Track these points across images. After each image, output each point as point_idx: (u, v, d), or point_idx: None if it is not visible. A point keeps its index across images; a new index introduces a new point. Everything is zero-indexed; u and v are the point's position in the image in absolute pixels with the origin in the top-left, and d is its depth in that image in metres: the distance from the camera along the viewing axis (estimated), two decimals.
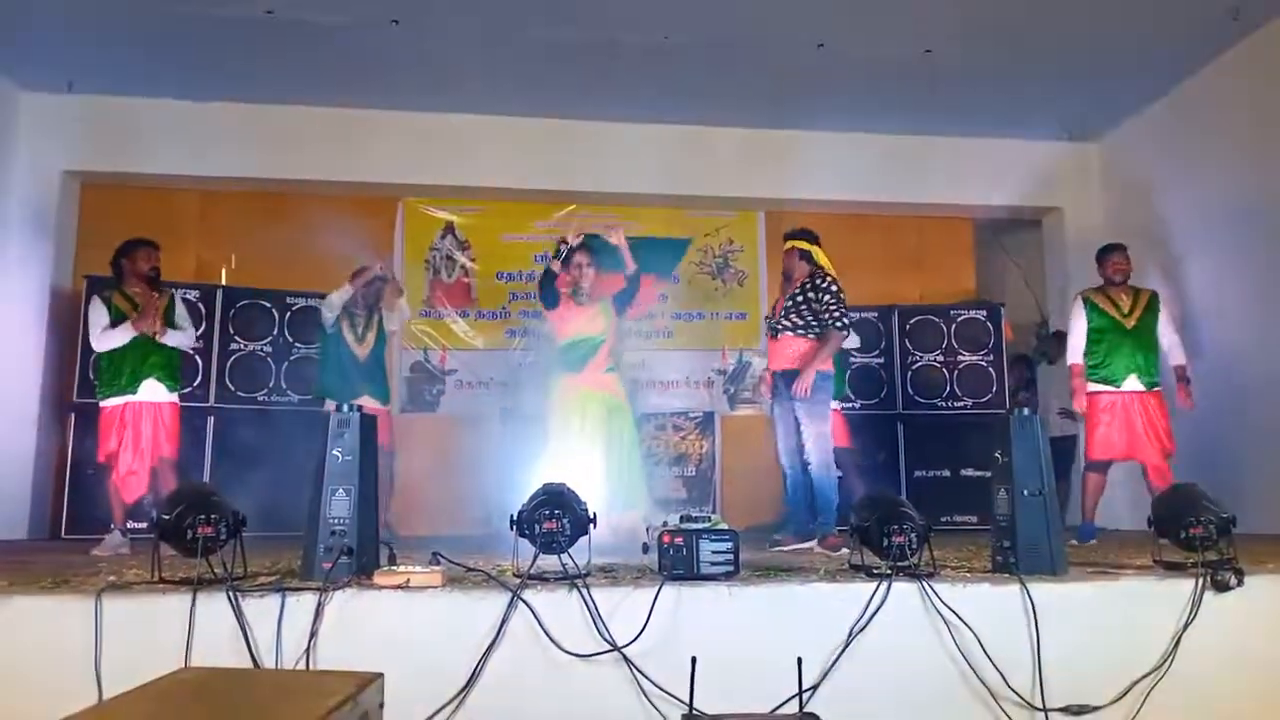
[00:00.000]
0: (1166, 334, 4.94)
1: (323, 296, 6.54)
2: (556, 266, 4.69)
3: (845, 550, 4.10)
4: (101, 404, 4.58)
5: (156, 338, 4.56)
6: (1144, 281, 5.49)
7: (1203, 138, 6.26)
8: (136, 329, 4.51)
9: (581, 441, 4.36)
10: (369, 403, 5.35)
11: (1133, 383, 4.85)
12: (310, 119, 6.74)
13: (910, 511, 2.93)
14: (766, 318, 4.71)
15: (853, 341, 5.66)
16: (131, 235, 4.82)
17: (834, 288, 4.37)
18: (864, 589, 2.73)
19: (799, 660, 2.39)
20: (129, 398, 4.53)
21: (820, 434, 4.30)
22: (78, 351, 6.11)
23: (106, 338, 4.54)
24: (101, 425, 4.56)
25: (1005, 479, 3.05)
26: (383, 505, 5.47)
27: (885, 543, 2.83)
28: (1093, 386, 4.93)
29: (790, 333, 4.41)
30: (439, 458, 6.07)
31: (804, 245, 4.53)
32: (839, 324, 4.34)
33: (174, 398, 4.69)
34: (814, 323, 4.36)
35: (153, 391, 4.57)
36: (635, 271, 4.69)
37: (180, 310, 4.79)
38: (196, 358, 6.03)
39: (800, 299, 4.41)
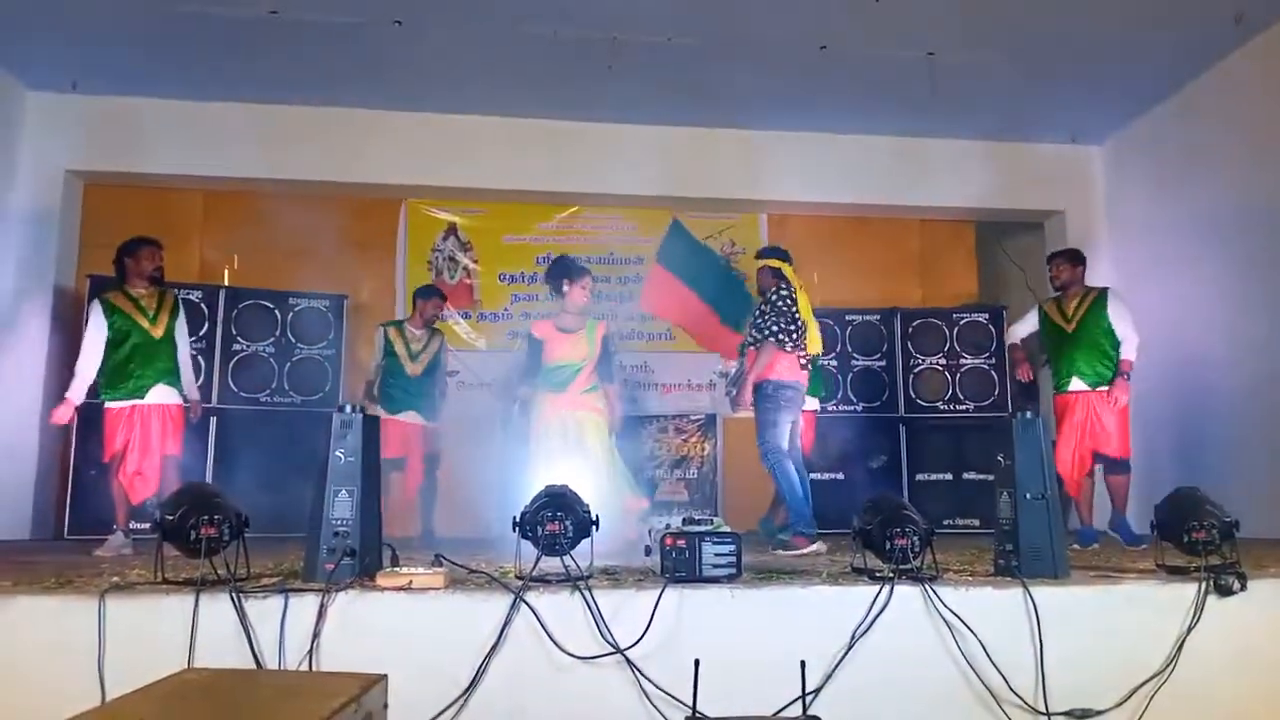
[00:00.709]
0: (1120, 328, 4.86)
1: (325, 297, 6.63)
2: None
3: (809, 550, 4.23)
4: (106, 405, 4.55)
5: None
6: (1145, 286, 5.50)
7: (1205, 141, 6.26)
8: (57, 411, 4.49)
9: (563, 458, 4.45)
10: (414, 419, 5.71)
11: (1076, 384, 4.89)
12: (313, 119, 6.75)
13: (913, 514, 2.92)
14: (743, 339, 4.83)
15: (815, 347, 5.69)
16: (135, 234, 4.79)
17: (775, 299, 4.53)
18: (866, 592, 2.72)
19: (802, 663, 2.39)
20: (135, 401, 4.51)
21: (763, 439, 4.47)
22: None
23: (89, 360, 4.48)
24: (106, 426, 4.53)
25: (1008, 482, 3.05)
26: (427, 507, 5.78)
27: (888, 546, 2.82)
28: (1055, 393, 5.02)
29: (752, 347, 4.60)
30: (441, 459, 6.06)
31: (775, 264, 4.71)
32: (767, 332, 4.51)
33: (180, 400, 4.68)
34: (766, 335, 4.53)
35: (161, 395, 4.57)
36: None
37: (181, 318, 4.75)
38: (199, 358, 6.03)
39: (757, 314, 4.62)
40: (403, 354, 5.78)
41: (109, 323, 4.51)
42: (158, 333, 4.60)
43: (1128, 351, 4.84)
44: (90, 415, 5.85)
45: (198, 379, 5.15)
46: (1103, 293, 4.99)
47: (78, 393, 4.48)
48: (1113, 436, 4.79)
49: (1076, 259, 5.09)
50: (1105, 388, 4.82)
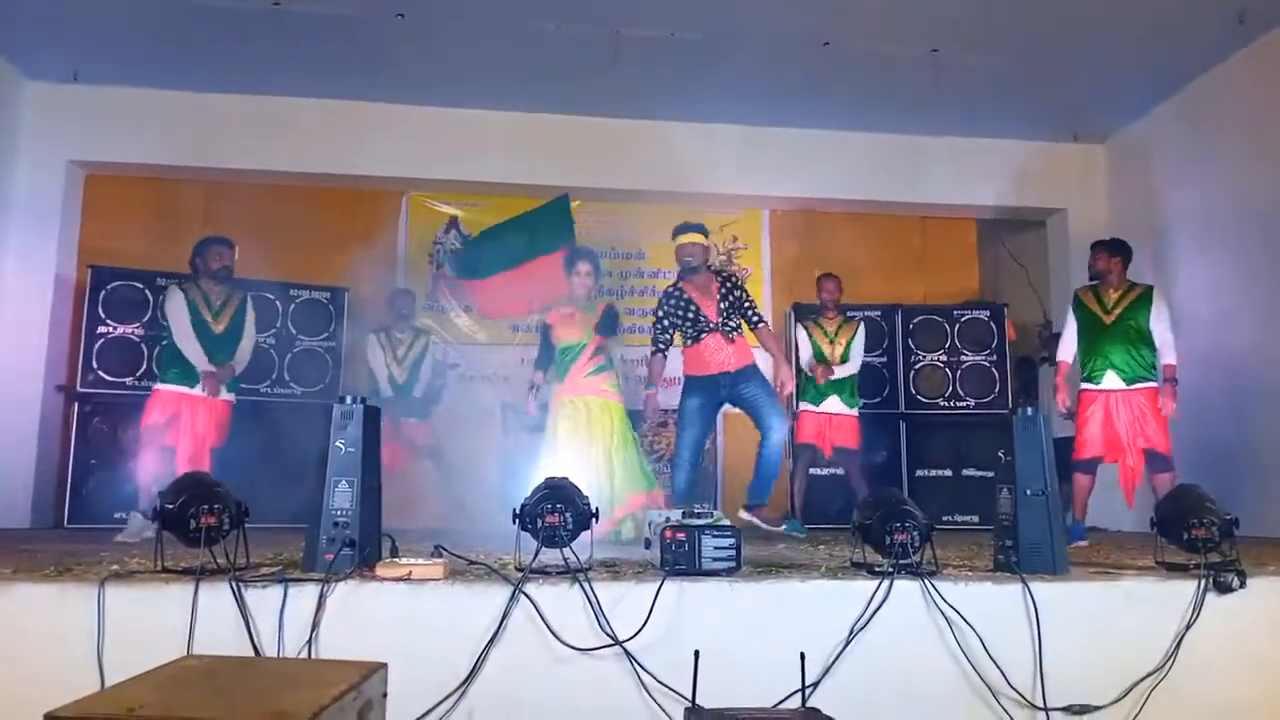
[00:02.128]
0: (1158, 330, 4.72)
1: (327, 289, 6.63)
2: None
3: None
4: (157, 386, 4.69)
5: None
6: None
7: (1208, 140, 6.26)
8: (203, 379, 4.61)
9: (570, 450, 4.46)
10: (407, 422, 5.76)
11: (1112, 380, 4.72)
12: (315, 112, 6.75)
13: (913, 509, 2.92)
14: (711, 321, 4.75)
15: None
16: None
17: (740, 280, 4.74)
18: (866, 586, 2.72)
19: (802, 656, 2.40)
20: (185, 389, 4.62)
21: (782, 424, 4.80)
22: (81, 341, 6.12)
23: (188, 343, 4.62)
24: (150, 400, 4.65)
25: (1008, 478, 3.05)
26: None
27: (887, 541, 2.83)
28: (1083, 385, 4.86)
29: (737, 332, 4.72)
30: (442, 451, 6.06)
31: (704, 240, 4.83)
32: (760, 320, 4.74)
33: (231, 396, 4.81)
34: (741, 321, 4.70)
35: None
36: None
37: (250, 316, 4.89)
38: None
39: (732, 299, 4.72)
40: (390, 360, 5.90)
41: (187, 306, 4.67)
42: (219, 328, 4.72)
43: (1170, 356, 4.70)
44: (91, 404, 5.92)
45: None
46: (1148, 290, 4.82)
47: (203, 360, 4.61)
48: (1159, 434, 4.66)
49: (1117, 249, 4.90)
50: (1141, 385, 4.69)
